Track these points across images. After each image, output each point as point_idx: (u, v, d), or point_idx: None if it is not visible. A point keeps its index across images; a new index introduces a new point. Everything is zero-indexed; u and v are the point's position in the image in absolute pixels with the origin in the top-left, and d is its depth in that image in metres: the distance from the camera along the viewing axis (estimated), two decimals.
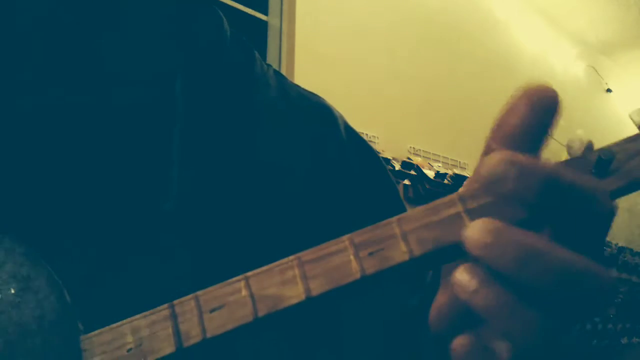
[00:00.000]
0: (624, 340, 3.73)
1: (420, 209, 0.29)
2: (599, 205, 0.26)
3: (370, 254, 0.28)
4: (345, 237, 0.29)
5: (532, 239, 0.26)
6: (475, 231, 0.26)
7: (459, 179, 2.93)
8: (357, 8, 2.74)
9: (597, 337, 3.51)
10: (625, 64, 4.80)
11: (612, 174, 0.28)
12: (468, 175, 2.98)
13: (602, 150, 0.29)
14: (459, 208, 0.28)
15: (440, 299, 0.33)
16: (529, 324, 0.26)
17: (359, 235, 0.29)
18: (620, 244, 3.90)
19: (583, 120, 4.12)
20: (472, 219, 0.28)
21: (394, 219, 0.29)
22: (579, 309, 0.27)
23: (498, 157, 0.26)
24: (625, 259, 3.96)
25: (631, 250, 4.03)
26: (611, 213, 0.27)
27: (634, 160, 0.28)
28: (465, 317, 0.31)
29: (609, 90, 4.65)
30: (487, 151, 0.29)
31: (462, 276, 0.27)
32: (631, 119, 0.28)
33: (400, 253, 0.28)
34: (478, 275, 0.26)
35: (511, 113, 0.28)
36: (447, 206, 0.29)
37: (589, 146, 0.29)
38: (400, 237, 0.28)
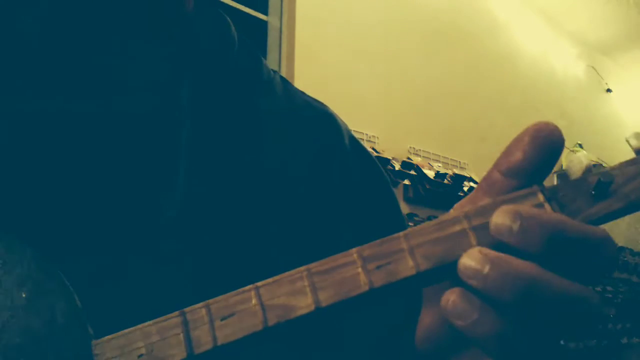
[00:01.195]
0: (624, 340, 3.74)
1: (426, 224, 0.30)
2: (602, 253, 0.28)
3: (378, 267, 0.29)
4: (353, 250, 0.30)
5: (530, 269, 0.27)
6: (472, 261, 0.27)
7: (459, 179, 2.93)
8: (357, 8, 2.74)
9: (597, 337, 3.51)
10: (625, 64, 4.80)
11: (611, 195, 0.30)
12: (468, 175, 2.99)
13: (601, 172, 0.30)
14: (464, 225, 0.30)
15: (426, 320, 0.34)
16: (523, 346, 0.28)
17: (367, 249, 0.30)
18: (620, 244, 3.90)
19: (583, 120, 4.13)
20: (477, 235, 0.29)
21: (401, 233, 0.30)
22: (570, 329, 0.28)
23: (504, 210, 0.28)
24: (625, 259, 3.96)
25: (631, 250, 4.04)
26: (614, 259, 0.29)
27: (632, 184, 0.29)
28: (454, 338, 0.32)
29: (609, 90, 4.65)
30: (489, 177, 0.32)
31: (455, 303, 0.28)
32: (628, 142, 0.30)
33: (407, 267, 0.29)
34: (472, 303, 0.28)
35: (516, 147, 0.30)
36: (452, 223, 0.30)
37: (589, 168, 0.30)
38: (408, 252, 0.29)
